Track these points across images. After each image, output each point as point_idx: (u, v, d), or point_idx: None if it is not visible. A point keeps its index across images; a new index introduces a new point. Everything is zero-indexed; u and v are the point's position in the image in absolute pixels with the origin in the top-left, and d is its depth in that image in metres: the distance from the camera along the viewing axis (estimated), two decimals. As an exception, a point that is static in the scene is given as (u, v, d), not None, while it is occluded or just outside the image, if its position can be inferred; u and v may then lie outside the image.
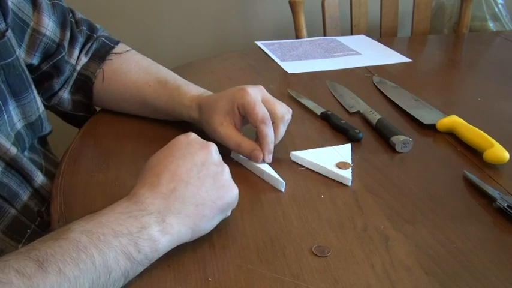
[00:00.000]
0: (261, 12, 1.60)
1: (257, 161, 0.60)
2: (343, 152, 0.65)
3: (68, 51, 0.72)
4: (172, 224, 0.44)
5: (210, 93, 0.69)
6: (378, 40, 1.22)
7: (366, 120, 0.76)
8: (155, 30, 1.53)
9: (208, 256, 0.48)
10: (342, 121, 0.73)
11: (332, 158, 0.63)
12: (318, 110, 0.78)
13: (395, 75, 0.97)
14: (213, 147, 0.51)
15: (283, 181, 0.58)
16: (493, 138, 0.66)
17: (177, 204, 0.45)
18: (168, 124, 0.73)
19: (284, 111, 0.63)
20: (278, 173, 0.60)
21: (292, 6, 1.30)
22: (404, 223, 0.53)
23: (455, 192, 0.59)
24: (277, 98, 0.65)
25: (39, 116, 0.66)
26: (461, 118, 0.72)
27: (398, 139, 0.67)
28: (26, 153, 0.65)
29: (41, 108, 0.67)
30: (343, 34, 1.29)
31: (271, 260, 0.47)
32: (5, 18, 0.61)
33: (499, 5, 1.55)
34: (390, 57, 1.09)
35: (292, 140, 0.70)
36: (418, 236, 0.51)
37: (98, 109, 0.80)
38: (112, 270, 0.40)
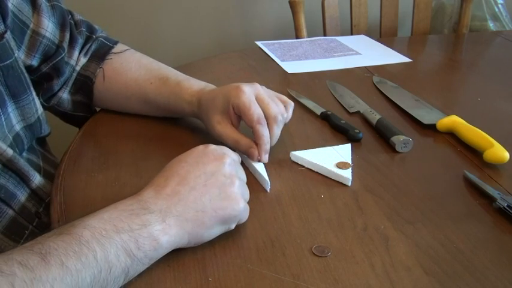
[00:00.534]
0: (261, 12, 1.60)
1: (253, 159, 0.61)
2: (343, 152, 0.65)
3: (67, 52, 0.72)
4: (171, 225, 0.45)
5: (211, 86, 0.69)
6: (378, 40, 1.22)
7: (366, 120, 0.76)
8: (155, 30, 1.53)
9: (208, 256, 0.48)
10: (342, 121, 0.73)
11: (332, 158, 0.63)
12: (318, 110, 0.78)
13: (395, 75, 0.97)
14: (228, 159, 0.50)
15: (268, 181, 0.58)
16: (493, 138, 0.66)
17: (178, 206, 0.46)
18: (168, 124, 0.73)
19: (277, 111, 0.62)
20: (278, 173, 0.60)
21: (292, 6, 1.30)
22: (404, 223, 0.53)
23: (455, 192, 0.59)
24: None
25: (38, 117, 0.66)
26: (461, 118, 0.72)
27: (398, 139, 0.67)
28: (24, 154, 0.65)
29: (40, 109, 0.67)
30: (343, 34, 1.29)
31: (271, 260, 0.47)
32: (4, 20, 0.60)
33: (499, 5, 1.55)
34: (390, 57, 1.09)
35: (292, 140, 0.70)
36: (418, 236, 0.51)
37: (98, 109, 0.80)
38: (113, 266, 0.40)
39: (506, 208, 0.54)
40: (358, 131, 0.70)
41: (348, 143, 0.68)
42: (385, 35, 1.38)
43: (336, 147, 0.66)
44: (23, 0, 0.66)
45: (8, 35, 0.61)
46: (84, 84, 0.75)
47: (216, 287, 0.44)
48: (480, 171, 0.63)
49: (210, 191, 0.47)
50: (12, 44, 0.62)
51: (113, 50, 0.77)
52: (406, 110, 0.79)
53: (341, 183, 0.60)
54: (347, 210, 0.55)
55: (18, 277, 0.35)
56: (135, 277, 0.44)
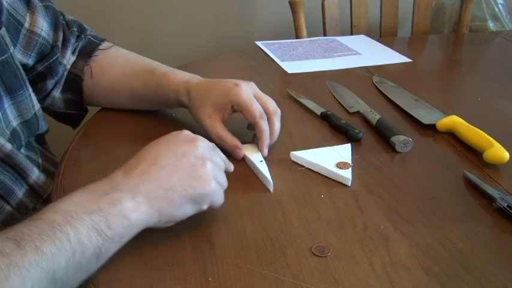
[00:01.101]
0: (261, 13, 1.60)
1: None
2: (343, 152, 0.65)
3: (61, 53, 0.73)
4: (140, 203, 0.45)
5: (198, 77, 0.70)
6: (378, 40, 1.22)
7: (366, 120, 0.76)
8: (155, 31, 1.53)
9: (208, 256, 0.48)
10: (342, 121, 0.73)
11: (332, 158, 0.63)
12: (318, 110, 0.78)
13: (395, 75, 0.97)
14: (200, 142, 0.51)
15: (271, 181, 0.58)
16: (493, 138, 0.66)
17: (147, 184, 0.46)
18: (168, 124, 0.73)
19: (275, 107, 0.65)
20: (278, 173, 0.60)
21: (292, 6, 1.30)
22: (404, 223, 0.53)
23: (455, 192, 0.59)
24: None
25: (35, 113, 0.67)
26: (461, 118, 0.72)
27: (398, 139, 0.67)
28: (22, 150, 0.65)
29: (37, 106, 0.67)
30: (343, 34, 1.29)
31: (271, 260, 0.47)
32: None
33: (499, 5, 1.55)
34: (390, 57, 1.09)
35: (292, 140, 0.70)
36: (418, 236, 0.51)
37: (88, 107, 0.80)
38: (85, 247, 0.41)
39: (506, 208, 0.54)
40: (358, 131, 0.70)
41: (348, 143, 0.68)
42: (385, 35, 1.38)
43: (336, 147, 0.66)
44: None
45: (2, 31, 0.62)
46: (73, 82, 0.76)
47: (216, 287, 0.44)
48: (480, 171, 0.63)
49: (180, 170, 0.48)
50: (8, 40, 0.63)
51: (100, 47, 0.78)
52: (406, 110, 0.79)
53: (341, 183, 0.60)
54: (347, 210, 0.55)
55: None
56: (135, 277, 0.44)
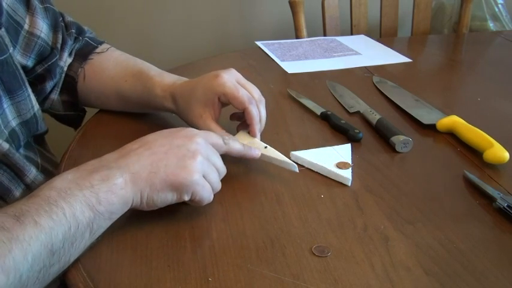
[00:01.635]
0: (261, 13, 1.60)
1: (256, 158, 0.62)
2: (343, 152, 0.65)
3: (59, 55, 0.73)
4: (127, 182, 0.47)
5: (183, 79, 0.70)
6: (378, 40, 1.22)
7: (366, 120, 0.76)
8: (155, 31, 1.53)
9: (208, 256, 0.48)
10: (342, 121, 0.73)
11: (332, 158, 0.63)
12: (318, 110, 0.78)
13: (395, 75, 0.97)
14: (199, 139, 0.52)
15: (293, 163, 0.59)
16: (493, 138, 0.66)
17: (136, 165, 0.48)
18: (167, 124, 0.73)
19: (259, 94, 0.65)
20: (278, 173, 0.60)
21: (292, 6, 1.30)
22: (404, 223, 0.53)
23: (455, 192, 0.59)
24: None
25: (34, 114, 0.67)
26: (461, 118, 0.72)
27: (398, 139, 0.67)
28: (21, 150, 0.65)
29: (36, 106, 0.67)
30: (343, 34, 1.29)
31: (271, 260, 0.47)
32: None
33: (499, 5, 1.55)
34: (390, 57, 1.09)
35: (292, 140, 0.70)
36: (418, 236, 0.51)
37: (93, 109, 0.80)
38: (80, 222, 0.43)
39: (506, 208, 0.54)
40: (358, 131, 0.70)
41: (348, 143, 0.68)
42: (385, 35, 1.37)
43: (336, 147, 0.66)
44: (17, 1, 0.66)
45: (2, 31, 0.62)
46: (69, 84, 0.76)
47: (216, 287, 0.44)
48: (480, 171, 0.63)
49: (169, 158, 0.49)
50: (7, 40, 0.63)
51: (96, 50, 0.78)
52: (406, 110, 0.79)
53: (341, 183, 0.60)
54: (347, 210, 0.55)
55: None
56: (135, 276, 0.44)
